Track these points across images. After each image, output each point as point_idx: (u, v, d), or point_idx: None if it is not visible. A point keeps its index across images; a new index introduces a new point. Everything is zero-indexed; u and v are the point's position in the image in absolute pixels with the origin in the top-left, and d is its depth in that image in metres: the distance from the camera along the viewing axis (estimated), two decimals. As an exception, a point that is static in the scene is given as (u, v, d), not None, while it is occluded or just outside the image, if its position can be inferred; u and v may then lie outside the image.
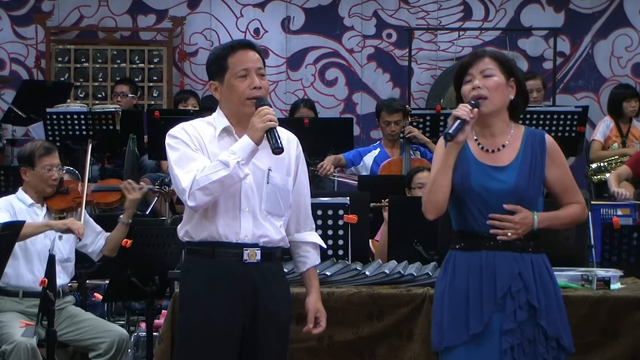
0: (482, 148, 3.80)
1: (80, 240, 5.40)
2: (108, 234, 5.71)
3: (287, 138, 3.82)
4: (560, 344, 3.71)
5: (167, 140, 3.77)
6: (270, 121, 3.62)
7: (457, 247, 3.79)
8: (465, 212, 3.77)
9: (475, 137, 3.81)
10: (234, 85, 3.73)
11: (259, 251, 3.73)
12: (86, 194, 5.72)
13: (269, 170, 3.74)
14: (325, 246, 4.07)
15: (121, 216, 5.76)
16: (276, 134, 3.64)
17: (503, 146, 3.78)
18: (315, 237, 3.95)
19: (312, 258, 3.93)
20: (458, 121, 3.69)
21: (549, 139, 3.81)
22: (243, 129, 3.73)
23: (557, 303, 3.74)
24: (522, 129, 3.83)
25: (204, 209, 3.68)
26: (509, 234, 3.71)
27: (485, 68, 3.76)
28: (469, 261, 3.76)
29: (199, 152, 3.71)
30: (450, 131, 3.69)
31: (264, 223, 3.74)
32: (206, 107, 7.30)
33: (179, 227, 3.84)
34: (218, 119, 3.81)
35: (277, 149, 3.63)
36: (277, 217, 3.78)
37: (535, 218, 3.72)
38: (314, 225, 3.98)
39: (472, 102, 3.74)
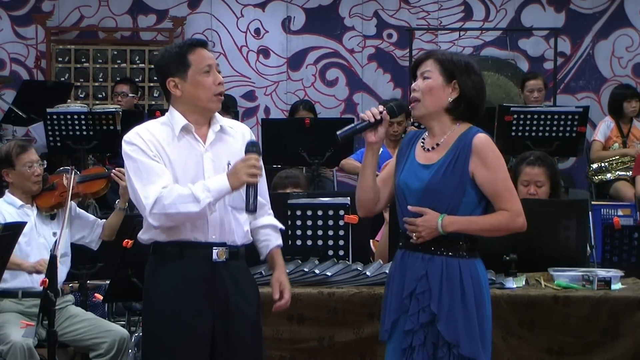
0: (423, 147, 3.77)
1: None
2: (104, 220, 5.70)
3: (242, 132, 3.82)
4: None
5: (123, 147, 3.72)
6: (254, 176, 3.60)
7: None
8: (397, 210, 3.80)
9: (423, 136, 3.80)
10: (201, 81, 3.71)
11: (227, 250, 3.73)
12: (72, 187, 5.63)
13: (228, 164, 3.72)
14: (284, 227, 4.05)
15: (117, 202, 5.72)
16: (255, 192, 3.63)
17: (437, 145, 3.73)
18: (272, 220, 3.95)
19: (273, 240, 3.94)
20: (359, 122, 3.74)
21: (479, 139, 3.67)
22: (201, 126, 3.74)
23: (465, 310, 3.63)
24: (464, 129, 3.73)
25: None
26: (414, 236, 3.68)
27: (425, 70, 3.71)
28: (395, 259, 3.81)
29: (158, 160, 3.67)
30: (338, 132, 3.73)
31: (229, 219, 3.74)
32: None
33: (140, 233, 3.82)
34: (174, 118, 3.76)
35: (250, 211, 3.65)
36: (241, 211, 3.76)
37: (438, 221, 3.64)
38: (271, 211, 3.97)
39: (390, 104, 3.79)
